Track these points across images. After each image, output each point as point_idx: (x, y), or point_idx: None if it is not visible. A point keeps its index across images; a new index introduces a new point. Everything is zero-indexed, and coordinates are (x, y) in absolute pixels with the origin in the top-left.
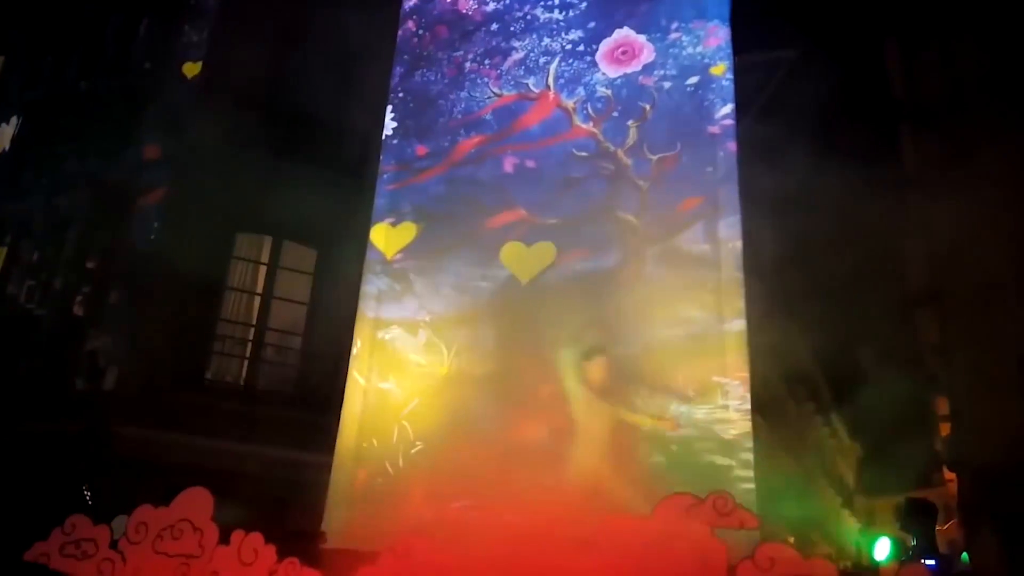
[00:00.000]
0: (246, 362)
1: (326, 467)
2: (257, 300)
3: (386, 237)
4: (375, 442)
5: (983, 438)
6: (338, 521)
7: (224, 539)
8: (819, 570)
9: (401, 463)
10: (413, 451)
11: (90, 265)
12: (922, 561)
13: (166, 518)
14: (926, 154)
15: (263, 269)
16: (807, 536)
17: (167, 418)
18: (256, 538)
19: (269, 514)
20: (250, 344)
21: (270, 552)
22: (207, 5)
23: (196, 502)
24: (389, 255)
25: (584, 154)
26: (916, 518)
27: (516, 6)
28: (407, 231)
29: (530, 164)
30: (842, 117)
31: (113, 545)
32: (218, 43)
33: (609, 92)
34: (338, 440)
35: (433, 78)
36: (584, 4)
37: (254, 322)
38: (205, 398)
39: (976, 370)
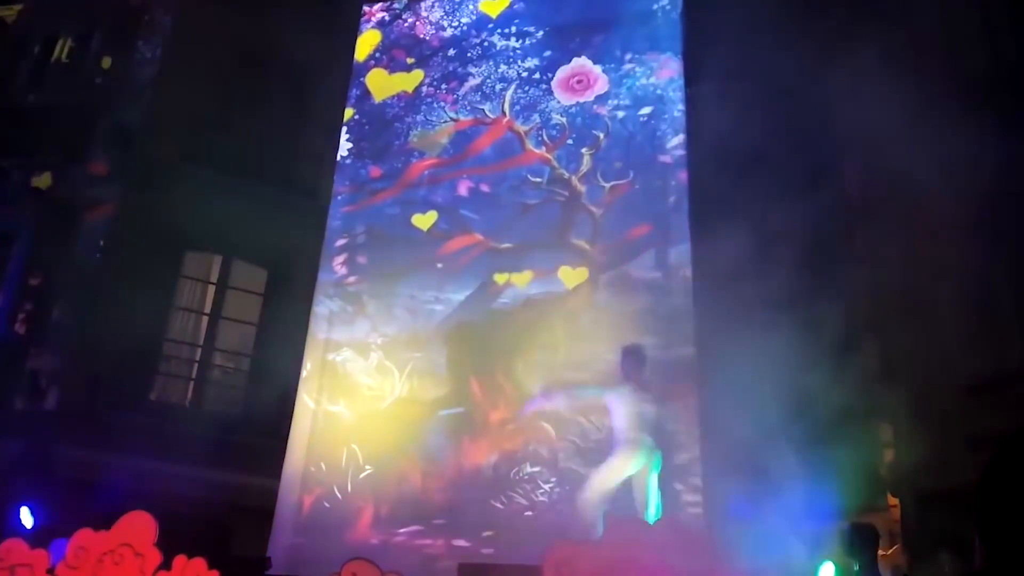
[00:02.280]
0: (192, 383)
1: (272, 491)
2: (205, 320)
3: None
4: (323, 466)
5: (925, 463)
6: (283, 547)
7: (167, 564)
8: None
9: (349, 488)
10: (362, 475)
11: (33, 281)
12: None
13: (107, 542)
14: (870, 185)
15: (212, 288)
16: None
17: (109, 439)
18: (199, 564)
19: (213, 539)
20: (197, 365)
21: None
22: (160, 22)
23: (138, 526)
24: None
25: (538, 180)
26: (859, 543)
27: (473, 33)
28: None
29: (484, 188)
30: (789, 147)
31: (50, 571)
32: (171, 60)
33: (564, 120)
34: (285, 464)
35: (389, 100)
36: (540, 33)
37: (201, 342)
38: (149, 419)
39: (918, 396)
